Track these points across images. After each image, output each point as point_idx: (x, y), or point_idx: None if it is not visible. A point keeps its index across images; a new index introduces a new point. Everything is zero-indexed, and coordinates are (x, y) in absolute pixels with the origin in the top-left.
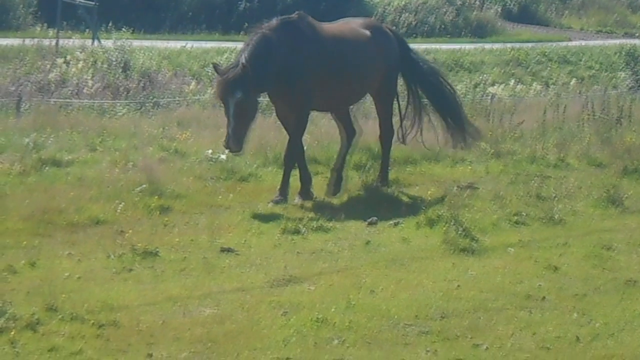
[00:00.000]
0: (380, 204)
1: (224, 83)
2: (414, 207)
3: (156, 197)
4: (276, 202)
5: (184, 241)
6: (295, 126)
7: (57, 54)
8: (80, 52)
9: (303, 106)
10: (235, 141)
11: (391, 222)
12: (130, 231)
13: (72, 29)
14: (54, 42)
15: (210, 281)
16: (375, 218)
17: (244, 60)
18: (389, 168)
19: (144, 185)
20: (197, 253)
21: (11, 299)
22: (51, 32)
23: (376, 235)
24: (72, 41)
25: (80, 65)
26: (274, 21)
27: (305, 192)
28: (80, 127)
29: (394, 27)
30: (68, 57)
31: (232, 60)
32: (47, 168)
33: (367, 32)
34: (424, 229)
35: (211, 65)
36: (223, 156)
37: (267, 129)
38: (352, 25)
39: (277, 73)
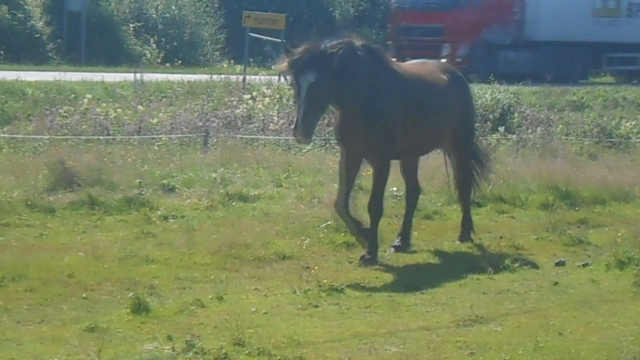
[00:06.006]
0: (568, 244)
1: (298, 64)
2: (603, 248)
3: (342, 233)
4: (463, 240)
5: (369, 278)
6: (377, 177)
7: (243, 90)
8: (267, 88)
9: (384, 152)
10: (304, 129)
11: (580, 263)
12: (316, 267)
13: (259, 65)
14: (240, 78)
15: (396, 319)
16: (563, 259)
17: (325, 46)
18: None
19: (330, 222)
20: (382, 290)
21: (199, 333)
22: (238, 68)
23: (564, 277)
24: (259, 77)
25: (266, 101)
26: (358, 40)
27: (368, 257)
28: (266, 163)
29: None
30: (254, 93)
31: None
32: (234, 203)
33: (445, 77)
34: (614, 270)
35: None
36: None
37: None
38: (429, 67)
39: (353, 93)
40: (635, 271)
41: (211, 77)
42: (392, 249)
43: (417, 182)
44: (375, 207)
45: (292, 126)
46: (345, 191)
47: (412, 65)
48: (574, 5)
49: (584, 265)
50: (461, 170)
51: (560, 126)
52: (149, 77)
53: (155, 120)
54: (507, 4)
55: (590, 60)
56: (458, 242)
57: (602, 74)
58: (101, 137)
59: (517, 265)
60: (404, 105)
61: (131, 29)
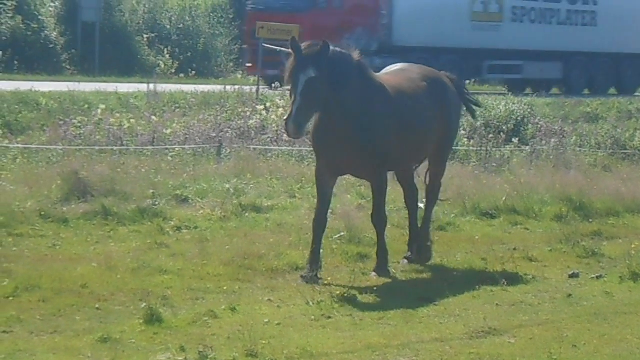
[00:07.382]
0: (582, 256)
1: (300, 59)
2: (617, 260)
3: (354, 244)
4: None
5: (382, 289)
6: (376, 191)
7: (257, 101)
8: (280, 99)
9: (379, 167)
10: (297, 122)
11: (593, 275)
12: (329, 278)
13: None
14: (254, 88)
15: (409, 330)
16: (577, 271)
17: (328, 46)
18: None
19: (343, 233)
20: (395, 302)
21: (212, 344)
22: (252, 79)
23: (578, 289)
24: (272, 88)
25: (279, 112)
26: (356, 55)
27: (382, 268)
28: (279, 174)
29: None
30: (268, 104)
31: None
32: (247, 214)
33: (425, 84)
34: (628, 282)
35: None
36: (421, 205)
37: (466, 178)
38: (409, 74)
39: (344, 104)
40: None
41: (225, 88)
42: (405, 261)
43: (413, 185)
44: (379, 219)
45: (285, 117)
46: (325, 208)
47: (393, 75)
48: (436, 9)
49: (597, 277)
50: (434, 176)
51: (574, 138)
52: (163, 87)
53: (168, 131)
54: (368, 7)
55: (468, 68)
56: (408, 255)
57: (484, 82)
58: (115, 148)
59: (530, 277)
60: (394, 120)
61: (145, 39)
